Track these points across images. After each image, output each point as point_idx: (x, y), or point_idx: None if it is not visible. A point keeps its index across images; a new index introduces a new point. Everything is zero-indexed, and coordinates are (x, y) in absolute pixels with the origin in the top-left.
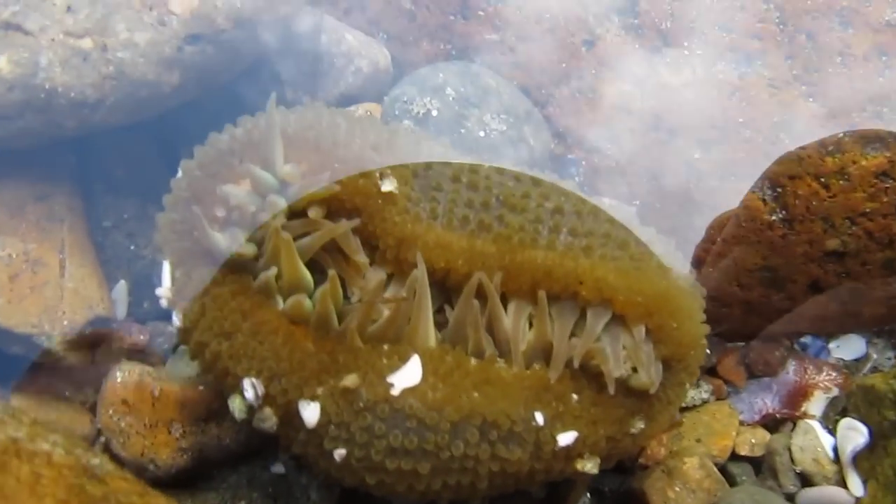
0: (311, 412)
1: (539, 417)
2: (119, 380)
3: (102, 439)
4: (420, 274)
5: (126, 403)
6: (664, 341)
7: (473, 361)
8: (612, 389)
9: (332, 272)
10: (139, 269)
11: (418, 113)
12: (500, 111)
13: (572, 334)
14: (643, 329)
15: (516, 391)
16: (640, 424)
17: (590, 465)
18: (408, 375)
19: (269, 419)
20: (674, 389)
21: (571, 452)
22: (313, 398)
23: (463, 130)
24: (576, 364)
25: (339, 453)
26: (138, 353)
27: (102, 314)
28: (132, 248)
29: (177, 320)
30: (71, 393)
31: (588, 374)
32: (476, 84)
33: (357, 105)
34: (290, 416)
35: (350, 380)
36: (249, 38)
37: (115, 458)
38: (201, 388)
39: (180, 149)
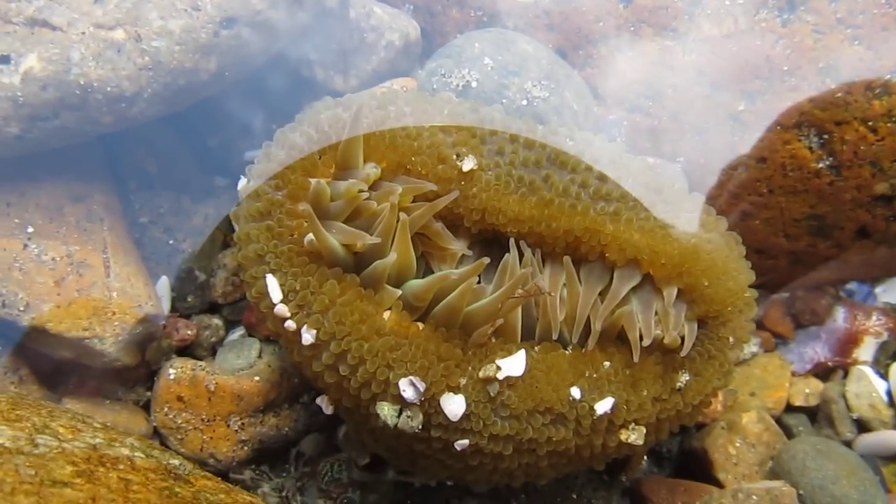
0: (456, 404)
1: (575, 391)
2: (172, 376)
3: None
4: (512, 263)
5: (181, 400)
6: (696, 301)
7: (539, 349)
8: (636, 356)
9: (476, 263)
10: (179, 263)
11: (457, 86)
12: (540, 78)
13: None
14: (674, 290)
15: (566, 370)
16: (684, 377)
17: (634, 436)
18: (514, 367)
19: (416, 417)
20: (714, 344)
21: (615, 421)
22: (457, 390)
23: (504, 101)
24: (598, 328)
25: (461, 444)
26: (187, 349)
27: (151, 311)
28: (171, 242)
29: (309, 337)
30: (123, 393)
31: (622, 338)
32: (513, 51)
33: (391, 81)
34: (430, 413)
35: (491, 370)
36: (284, 18)
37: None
38: (256, 379)
39: (208, 138)
